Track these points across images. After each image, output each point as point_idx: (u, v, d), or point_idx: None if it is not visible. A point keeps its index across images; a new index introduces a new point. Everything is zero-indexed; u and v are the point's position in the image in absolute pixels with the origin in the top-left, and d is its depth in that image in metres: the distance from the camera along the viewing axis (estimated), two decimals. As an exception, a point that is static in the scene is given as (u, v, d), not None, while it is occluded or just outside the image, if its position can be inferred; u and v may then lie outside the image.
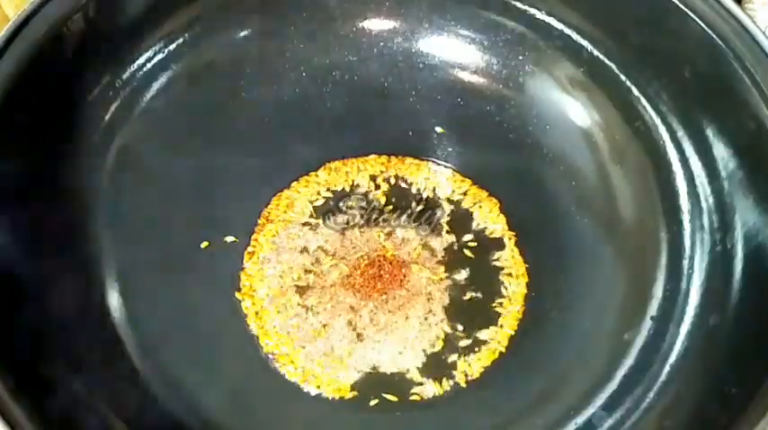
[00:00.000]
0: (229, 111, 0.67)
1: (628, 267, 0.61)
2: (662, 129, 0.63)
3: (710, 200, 0.59)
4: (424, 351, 0.59)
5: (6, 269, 0.53)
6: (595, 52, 0.65)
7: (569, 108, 0.67)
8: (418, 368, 0.58)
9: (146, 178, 0.63)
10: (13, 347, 0.49)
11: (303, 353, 0.58)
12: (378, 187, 0.66)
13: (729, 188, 0.57)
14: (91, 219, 0.60)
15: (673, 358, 0.57)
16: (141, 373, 0.56)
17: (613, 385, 0.57)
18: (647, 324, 0.59)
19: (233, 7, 0.67)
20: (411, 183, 0.66)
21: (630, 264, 0.61)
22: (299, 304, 0.60)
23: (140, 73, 0.65)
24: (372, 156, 0.67)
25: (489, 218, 0.64)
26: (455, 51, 0.70)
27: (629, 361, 0.58)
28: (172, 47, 0.66)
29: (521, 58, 0.69)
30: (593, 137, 0.66)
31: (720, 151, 0.58)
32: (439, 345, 0.59)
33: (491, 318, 0.60)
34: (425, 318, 0.60)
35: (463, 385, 0.58)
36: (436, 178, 0.66)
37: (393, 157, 0.67)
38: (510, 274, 0.62)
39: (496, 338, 0.59)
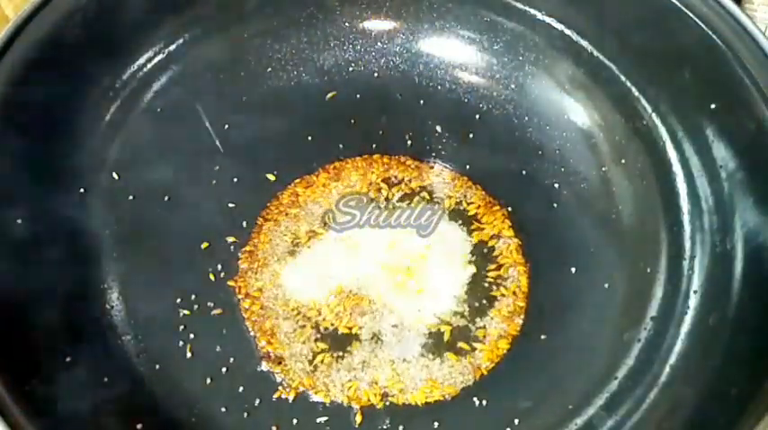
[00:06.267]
0: (229, 112, 0.67)
1: (628, 267, 0.61)
2: (662, 130, 0.63)
3: (710, 200, 0.59)
4: (424, 353, 0.59)
5: (7, 269, 0.53)
6: (595, 52, 0.65)
7: (569, 108, 0.67)
8: (418, 371, 0.58)
9: (146, 178, 0.63)
10: (14, 347, 0.49)
11: (301, 355, 0.58)
12: (378, 187, 0.66)
13: (729, 188, 0.57)
14: (91, 219, 0.60)
15: (673, 358, 0.57)
16: (141, 373, 0.56)
17: (613, 385, 0.57)
18: (647, 324, 0.59)
19: (233, 7, 0.67)
20: (411, 183, 0.66)
21: (630, 264, 0.61)
22: (298, 305, 0.60)
23: (140, 73, 0.65)
24: (373, 157, 0.67)
25: (489, 217, 0.64)
26: (455, 51, 0.70)
27: (629, 361, 0.58)
28: (172, 47, 0.66)
29: (521, 58, 0.69)
30: (593, 137, 0.66)
31: (720, 151, 0.58)
32: (439, 347, 0.59)
33: (491, 318, 0.60)
34: (425, 320, 0.60)
35: (464, 386, 0.58)
36: (436, 178, 0.66)
37: (393, 158, 0.67)
38: (510, 274, 0.62)
39: (497, 339, 0.59)
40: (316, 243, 0.63)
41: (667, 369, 0.56)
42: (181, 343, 0.58)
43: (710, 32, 0.56)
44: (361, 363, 0.58)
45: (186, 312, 0.59)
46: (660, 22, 0.59)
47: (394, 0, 0.70)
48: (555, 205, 0.65)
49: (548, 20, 0.66)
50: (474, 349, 0.59)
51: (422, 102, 0.69)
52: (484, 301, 0.61)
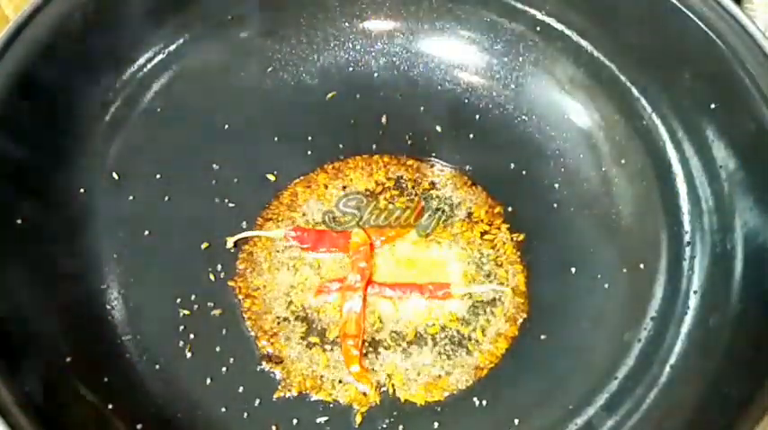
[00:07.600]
0: (229, 112, 0.67)
1: (628, 267, 0.61)
2: (662, 130, 0.63)
3: (710, 201, 0.59)
4: (425, 353, 0.59)
5: (8, 269, 0.53)
6: (595, 52, 0.65)
7: (569, 108, 0.67)
8: (418, 371, 0.58)
9: (146, 178, 0.63)
10: (14, 347, 0.49)
11: (301, 355, 0.58)
12: (378, 187, 0.66)
13: (729, 189, 0.57)
14: (91, 219, 0.60)
15: (673, 358, 0.57)
16: (141, 373, 0.56)
17: (613, 385, 0.57)
18: (647, 324, 0.59)
19: (233, 7, 0.67)
20: (411, 183, 0.66)
21: (630, 264, 0.61)
22: (298, 305, 0.60)
23: (140, 73, 0.65)
24: (373, 157, 0.67)
25: (489, 217, 0.64)
26: (455, 52, 0.70)
27: (629, 361, 0.58)
28: (172, 47, 0.66)
29: (521, 58, 0.69)
30: (593, 137, 0.66)
31: (720, 151, 0.58)
32: (439, 347, 0.59)
33: (491, 318, 0.60)
34: (425, 321, 0.60)
35: (464, 386, 0.58)
36: (436, 178, 0.66)
37: (393, 157, 0.67)
38: (510, 274, 0.62)
39: (496, 339, 0.59)
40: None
41: (667, 369, 0.56)
42: (181, 343, 0.58)
43: (710, 32, 0.56)
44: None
45: (186, 312, 0.59)
46: (660, 22, 0.59)
47: (394, 0, 0.70)
48: (555, 205, 0.65)
49: (548, 20, 0.66)
50: (474, 349, 0.59)
51: (422, 102, 0.69)
52: (484, 301, 0.61)
